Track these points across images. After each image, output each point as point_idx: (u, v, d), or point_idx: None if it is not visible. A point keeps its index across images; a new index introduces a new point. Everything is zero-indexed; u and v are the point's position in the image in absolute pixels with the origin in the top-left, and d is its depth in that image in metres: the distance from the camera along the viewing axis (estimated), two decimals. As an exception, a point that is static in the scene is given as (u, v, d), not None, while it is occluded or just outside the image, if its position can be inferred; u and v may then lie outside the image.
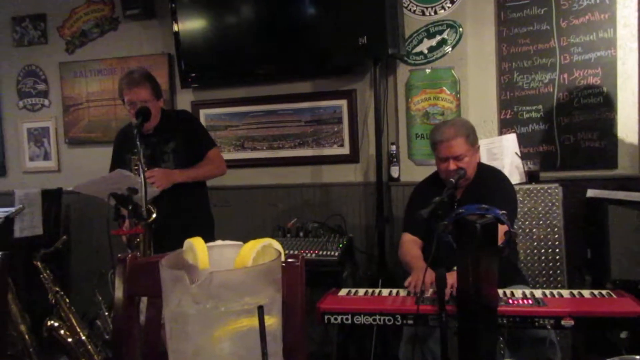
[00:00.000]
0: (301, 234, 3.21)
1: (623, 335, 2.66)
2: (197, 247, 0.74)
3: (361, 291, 2.28)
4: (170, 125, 2.72)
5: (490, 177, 2.50)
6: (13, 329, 2.39)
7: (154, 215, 2.22)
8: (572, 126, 3.12)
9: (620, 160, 3.05)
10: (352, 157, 3.52)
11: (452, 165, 2.34)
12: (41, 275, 2.45)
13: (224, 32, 3.63)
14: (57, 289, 2.44)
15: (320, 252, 3.00)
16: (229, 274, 0.69)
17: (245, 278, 0.68)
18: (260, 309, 0.61)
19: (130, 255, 1.23)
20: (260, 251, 0.74)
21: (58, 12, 4.06)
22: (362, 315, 2.05)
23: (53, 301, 2.44)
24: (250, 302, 0.65)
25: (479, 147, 2.49)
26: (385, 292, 2.25)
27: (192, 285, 0.65)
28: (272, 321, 0.69)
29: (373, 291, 2.27)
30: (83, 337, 2.39)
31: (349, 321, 2.06)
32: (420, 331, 2.20)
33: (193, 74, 3.74)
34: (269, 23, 3.55)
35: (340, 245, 3.05)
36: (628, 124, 3.04)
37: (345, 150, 3.54)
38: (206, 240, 0.85)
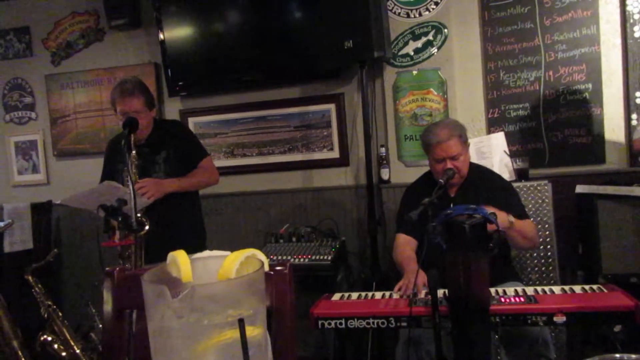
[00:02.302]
0: (294, 239, 3.20)
1: (617, 329, 2.68)
2: (180, 260, 0.74)
3: (354, 295, 2.28)
4: (161, 135, 2.71)
5: (484, 174, 2.56)
6: (5, 344, 2.37)
7: (147, 227, 2.20)
8: (559, 123, 3.14)
9: (607, 155, 3.08)
10: (342, 161, 3.53)
11: (450, 165, 2.37)
12: (33, 290, 2.43)
13: (210, 39, 3.63)
14: (50, 302, 2.42)
15: (313, 257, 3.00)
16: (211, 286, 0.69)
17: (227, 290, 0.68)
18: (241, 322, 0.61)
19: (118, 268, 1.22)
20: (243, 262, 0.74)
21: (42, 25, 4.04)
22: (355, 320, 2.05)
23: (46, 315, 2.42)
24: (234, 314, 0.65)
25: (469, 145, 2.52)
26: (378, 295, 2.25)
27: (174, 299, 0.64)
28: (257, 332, 0.69)
29: (366, 294, 2.27)
30: (77, 351, 2.36)
31: (343, 326, 2.06)
32: (416, 333, 2.21)
33: (180, 83, 3.73)
34: (256, 29, 3.55)
35: (333, 249, 3.05)
36: (614, 119, 3.06)
37: (335, 154, 3.54)
38: (198, 250, 0.85)
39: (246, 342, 0.61)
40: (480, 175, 2.54)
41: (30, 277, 2.42)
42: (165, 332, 0.66)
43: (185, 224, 2.72)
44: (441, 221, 1.76)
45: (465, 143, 2.45)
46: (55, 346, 2.33)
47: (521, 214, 2.40)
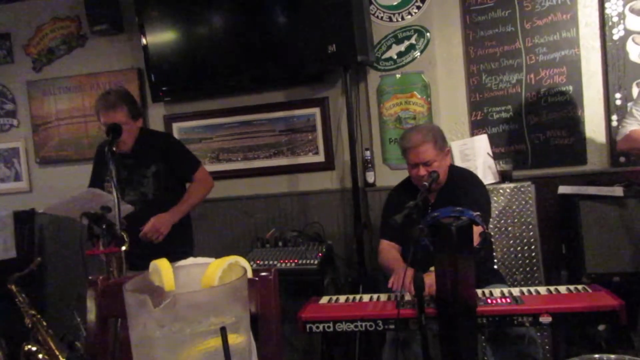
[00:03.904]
0: (280, 243, 3.19)
1: (601, 328, 2.72)
2: (162, 269, 0.74)
3: (342, 298, 2.28)
4: (150, 148, 2.68)
5: (462, 179, 2.53)
6: (-12, 356, 2.33)
7: (126, 242, 2.18)
8: (541, 125, 3.18)
9: (589, 156, 3.12)
10: (327, 165, 3.53)
11: (422, 171, 2.37)
12: (16, 299, 2.39)
13: (194, 44, 3.61)
14: (34, 312, 2.38)
15: (300, 261, 3.00)
16: (193, 295, 0.68)
17: (210, 298, 0.68)
18: (223, 330, 0.61)
19: (101, 277, 1.21)
20: (226, 269, 0.74)
21: (23, 31, 3.99)
22: (343, 323, 2.04)
23: (30, 325, 2.39)
24: (216, 322, 0.65)
25: (449, 151, 2.52)
26: (366, 297, 2.25)
27: (155, 308, 0.64)
28: (241, 339, 0.69)
29: (354, 297, 2.27)
30: (62, 360, 2.34)
31: (331, 329, 2.06)
32: (402, 335, 2.21)
33: (164, 88, 3.71)
34: (239, 34, 3.54)
35: (320, 253, 3.05)
36: (595, 120, 3.11)
37: (320, 157, 3.54)
38: (186, 256, 0.84)
39: (229, 350, 0.61)
40: (460, 179, 2.52)
41: (13, 287, 2.38)
42: (147, 342, 0.66)
43: (173, 231, 2.69)
44: (428, 224, 1.77)
45: (441, 149, 2.42)
46: (40, 356, 2.29)
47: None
